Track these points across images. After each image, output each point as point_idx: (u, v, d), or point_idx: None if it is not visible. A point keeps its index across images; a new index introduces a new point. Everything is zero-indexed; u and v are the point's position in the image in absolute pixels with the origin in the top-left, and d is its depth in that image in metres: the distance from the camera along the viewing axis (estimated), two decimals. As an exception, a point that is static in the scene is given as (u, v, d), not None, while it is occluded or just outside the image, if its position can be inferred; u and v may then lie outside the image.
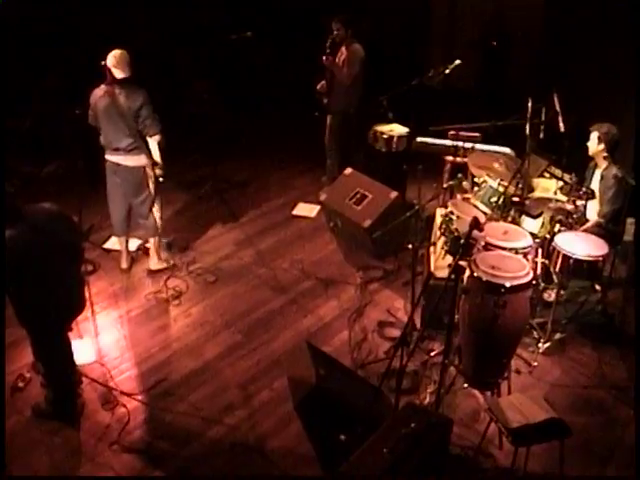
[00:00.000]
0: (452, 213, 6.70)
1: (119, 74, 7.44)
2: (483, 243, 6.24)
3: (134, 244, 8.66)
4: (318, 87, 9.84)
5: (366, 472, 4.46)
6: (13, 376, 6.76)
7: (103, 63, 7.43)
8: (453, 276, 5.23)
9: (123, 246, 8.36)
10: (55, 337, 6.03)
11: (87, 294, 6.46)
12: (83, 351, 6.80)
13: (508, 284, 5.66)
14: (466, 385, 6.38)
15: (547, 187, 7.56)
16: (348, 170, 9.09)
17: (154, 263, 8.39)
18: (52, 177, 10.58)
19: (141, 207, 8.02)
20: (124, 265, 8.40)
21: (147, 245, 8.47)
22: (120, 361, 7.01)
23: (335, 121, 9.83)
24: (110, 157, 7.74)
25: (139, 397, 6.55)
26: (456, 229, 6.50)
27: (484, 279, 5.73)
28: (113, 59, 7.39)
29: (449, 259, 6.73)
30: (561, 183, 7.38)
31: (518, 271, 5.79)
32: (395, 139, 9.40)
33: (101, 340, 7.05)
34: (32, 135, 11.10)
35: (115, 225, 8.22)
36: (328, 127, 9.93)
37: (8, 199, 5.59)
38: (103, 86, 7.50)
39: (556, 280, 6.97)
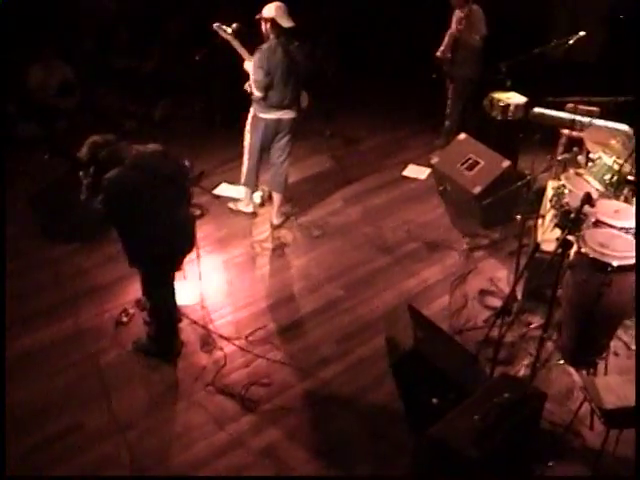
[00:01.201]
0: (564, 186, 6.56)
1: (286, 23, 7.50)
2: (593, 220, 6.09)
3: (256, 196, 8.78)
4: (438, 53, 9.72)
5: (455, 436, 4.45)
6: (117, 310, 6.98)
7: (258, 16, 7.52)
8: (560, 250, 5.14)
9: (249, 195, 8.51)
10: (165, 276, 6.19)
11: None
12: (186, 292, 6.94)
13: (616, 263, 5.53)
14: (562, 361, 6.29)
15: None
16: (462, 135, 8.97)
17: (277, 218, 8.51)
18: (166, 120, 10.74)
19: (281, 161, 8.23)
20: (249, 209, 8.58)
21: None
22: (221, 305, 7.16)
23: (458, 87, 9.71)
24: (271, 115, 7.87)
25: (237, 342, 6.68)
26: (567, 203, 6.35)
27: (591, 256, 5.61)
28: (278, 9, 7.48)
29: (557, 233, 6.58)
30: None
31: (627, 251, 5.65)
32: (512, 107, 9.20)
33: (204, 283, 7.15)
34: (153, 78, 11.28)
35: (249, 177, 8.34)
36: (451, 92, 9.82)
37: (119, 139, 5.73)
38: (272, 39, 7.57)
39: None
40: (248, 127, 8.09)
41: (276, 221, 8.50)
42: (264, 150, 8.14)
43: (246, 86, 7.86)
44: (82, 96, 10.88)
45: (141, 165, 5.67)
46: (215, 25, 7.70)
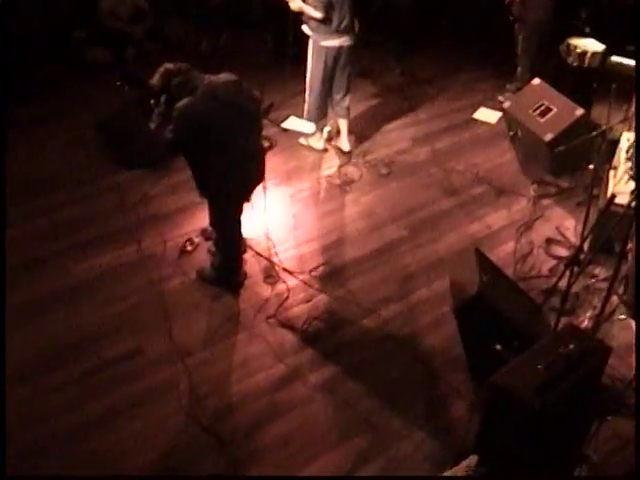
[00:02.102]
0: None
1: None
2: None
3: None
4: None
5: (518, 384, 4.41)
6: (182, 239, 7.02)
7: None
8: (634, 204, 5.03)
9: (319, 130, 8.52)
10: (235, 206, 6.19)
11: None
12: (252, 223, 6.93)
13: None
14: (624, 316, 6.21)
15: None
16: (536, 80, 8.79)
17: (347, 145, 8.55)
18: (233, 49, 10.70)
19: (343, 92, 8.28)
20: (320, 145, 8.58)
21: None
22: (285, 239, 7.17)
23: (528, 31, 9.47)
24: (333, 42, 7.82)
25: (300, 276, 6.70)
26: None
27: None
28: None
29: (631, 185, 6.47)
30: None
31: None
32: (589, 54, 8.99)
33: (270, 216, 7.17)
34: (220, 10, 11.23)
35: (312, 112, 8.33)
36: (521, 37, 9.60)
37: (185, 67, 5.68)
38: None
39: None
40: (309, 57, 8.03)
41: (347, 148, 8.53)
42: (326, 82, 8.09)
43: (305, 16, 7.84)
44: (152, 24, 10.86)
45: (214, 94, 5.63)
46: None
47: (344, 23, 7.70)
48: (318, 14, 7.54)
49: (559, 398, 4.43)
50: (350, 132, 8.66)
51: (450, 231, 7.39)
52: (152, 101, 5.69)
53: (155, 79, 5.62)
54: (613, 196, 5.40)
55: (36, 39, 9.82)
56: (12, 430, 5.08)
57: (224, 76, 5.82)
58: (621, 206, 5.85)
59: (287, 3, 7.78)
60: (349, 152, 8.53)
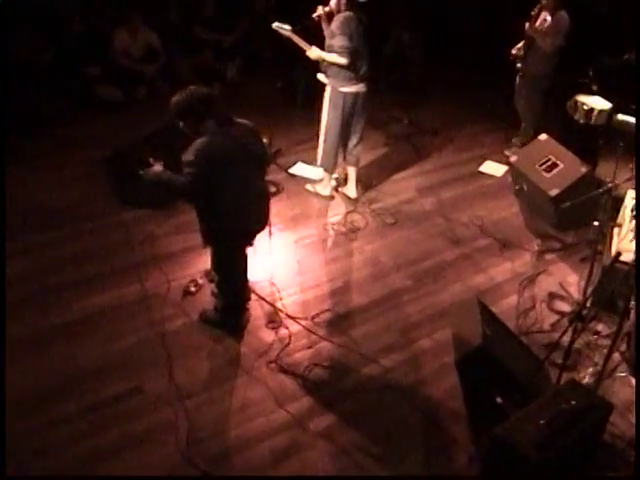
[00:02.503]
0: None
1: None
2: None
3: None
4: (514, 51, 9.56)
5: (520, 438, 4.42)
6: (186, 280, 7.04)
7: None
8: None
9: (327, 177, 8.58)
10: (237, 249, 6.20)
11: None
12: (256, 268, 6.94)
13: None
14: (625, 374, 6.20)
15: None
16: (543, 136, 8.86)
17: (354, 191, 8.61)
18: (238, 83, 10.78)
19: (357, 139, 8.38)
20: (327, 192, 8.64)
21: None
22: (289, 284, 7.17)
23: (527, 85, 9.56)
24: (352, 88, 7.93)
25: (303, 322, 6.69)
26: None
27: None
28: None
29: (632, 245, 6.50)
30: None
31: None
32: (595, 112, 9.06)
33: (275, 260, 7.21)
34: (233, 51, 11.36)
35: (327, 159, 8.37)
36: (518, 90, 9.69)
37: (218, 101, 5.72)
38: (345, 11, 7.62)
39: None
40: (326, 104, 8.09)
41: (354, 195, 8.60)
42: (343, 129, 8.17)
43: (323, 64, 7.92)
44: (164, 63, 10.98)
45: (229, 134, 5.67)
46: (274, 25, 7.83)
47: (364, 69, 7.84)
48: (344, 60, 7.63)
49: (559, 453, 4.44)
50: (357, 180, 8.71)
51: (454, 282, 7.39)
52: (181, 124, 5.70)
53: (181, 97, 5.64)
54: (618, 254, 5.43)
55: (48, 74, 9.93)
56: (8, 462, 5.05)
57: (242, 121, 5.89)
58: (625, 263, 5.88)
59: (303, 51, 7.86)
60: (356, 200, 8.56)
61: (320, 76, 7.99)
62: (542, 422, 4.46)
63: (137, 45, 10.66)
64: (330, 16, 7.69)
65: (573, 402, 4.64)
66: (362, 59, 7.80)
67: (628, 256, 6.29)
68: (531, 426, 4.48)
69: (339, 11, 7.63)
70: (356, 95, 7.94)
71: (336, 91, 7.89)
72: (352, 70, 7.74)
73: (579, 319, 5.32)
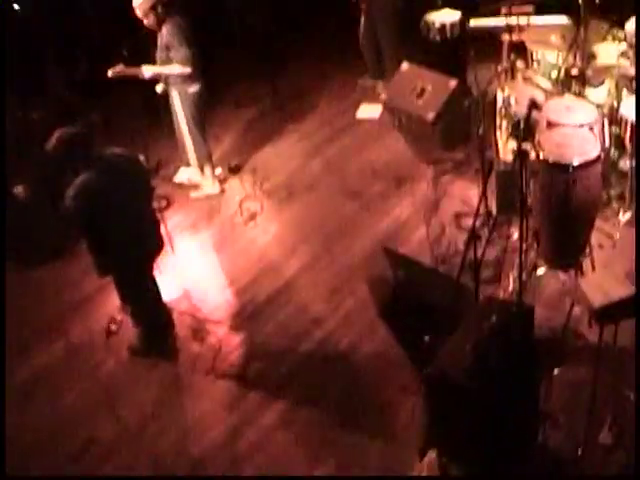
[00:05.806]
0: (509, 97, 6.53)
1: None
2: (545, 123, 6.07)
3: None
4: None
5: (451, 372, 4.46)
6: (105, 320, 6.95)
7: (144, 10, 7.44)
8: (518, 161, 5.12)
9: (210, 174, 8.50)
10: (138, 277, 6.18)
11: (164, 230, 6.62)
12: (168, 286, 6.87)
13: (576, 162, 5.54)
14: (544, 268, 6.32)
15: (609, 53, 7.24)
16: (404, 65, 8.80)
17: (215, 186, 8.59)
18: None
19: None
20: (216, 189, 8.55)
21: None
22: (205, 290, 7.15)
23: (378, 19, 9.42)
24: (199, 84, 7.86)
25: (228, 323, 6.70)
26: (515, 113, 6.33)
27: (551, 160, 5.62)
28: None
29: (513, 143, 6.57)
30: (623, 47, 7.05)
31: (585, 146, 5.64)
32: (448, 26, 9.02)
33: (184, 273, 7.20)
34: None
35: (201, 153, 8.34)
36: (363, 32, 9.59)
37: (83, 141, 5.63)
38: (171, 18, 7.52)
39: (629, 148, 6.71)
40: (179, 110, 7.98)
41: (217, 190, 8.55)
42: (204, 124, 8.18)
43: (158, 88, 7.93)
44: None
45: (107, 167, 5.64)
46: (110, 74, 7.59)
47: (200, 67, 7.75)
48: (188, 69, 7.55)
49: (495, 371, 4.50)
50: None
51: (361, 235, 7.41)
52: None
53: (51, 145, 5.53)
54: (491, 163, 5.52)
55: None
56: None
57: (115, 150, 5.87)
58: (510, 164, 5.97)
59: (135, 76, 7.70)
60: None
61: (158, 87, 7.91)
62: (468, 347, 4.51)
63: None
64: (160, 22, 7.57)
65: (493, 318, 4.68)
66: (198, 57, 7.68)
67: (510, 156, 6.38)
68: (458, 355, 4.52)
69: (160, 21, 7.49)
70: (202, 90, 7.90)
71: (186, 93, 7.81)
72: (193, 72, 7.63)
73: (475, 236, 5.38)
